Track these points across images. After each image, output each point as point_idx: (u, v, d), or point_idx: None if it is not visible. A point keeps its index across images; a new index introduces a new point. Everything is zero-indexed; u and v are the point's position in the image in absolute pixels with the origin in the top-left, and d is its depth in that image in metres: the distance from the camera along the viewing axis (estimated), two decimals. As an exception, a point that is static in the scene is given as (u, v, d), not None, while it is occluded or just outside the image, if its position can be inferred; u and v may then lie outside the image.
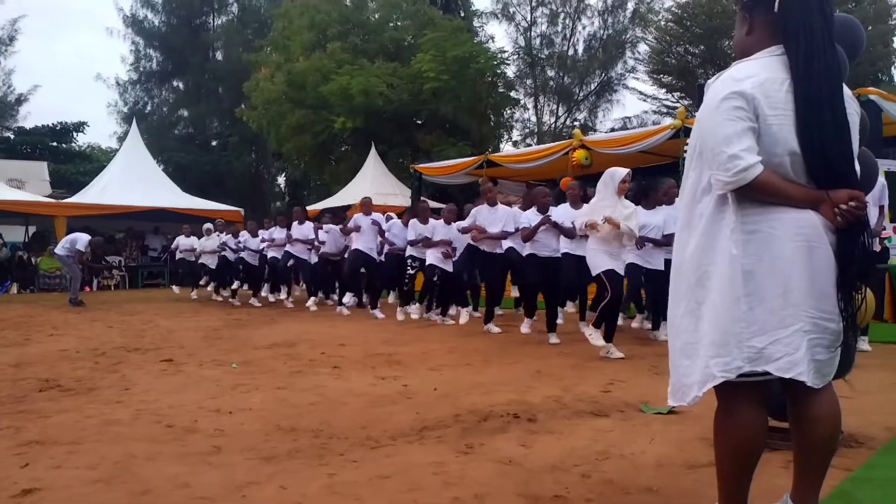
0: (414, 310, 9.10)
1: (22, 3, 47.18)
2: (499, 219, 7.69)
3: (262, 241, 11.88)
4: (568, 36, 28.46)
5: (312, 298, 10.68)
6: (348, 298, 10.00)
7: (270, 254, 11.67)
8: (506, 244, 7.75)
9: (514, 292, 8.95)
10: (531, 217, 6.98)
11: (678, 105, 19.82)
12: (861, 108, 2.14)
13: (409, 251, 9.04)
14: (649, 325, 7.24)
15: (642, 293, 7.44)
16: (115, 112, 32.26)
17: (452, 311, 8.94)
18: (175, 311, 11.25)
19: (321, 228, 11.04)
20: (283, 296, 12.05)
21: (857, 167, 1.97)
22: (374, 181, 17.49)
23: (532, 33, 28.63)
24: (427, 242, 8.51)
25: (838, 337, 1.89)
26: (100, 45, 59.20)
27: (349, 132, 19.79)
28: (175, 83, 32.41)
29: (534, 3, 28.26)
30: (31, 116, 39.09)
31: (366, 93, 18.63)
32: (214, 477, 2.86)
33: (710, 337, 1.91)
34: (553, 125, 28.50)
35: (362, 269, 10.02)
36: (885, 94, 8.52)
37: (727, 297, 1.88)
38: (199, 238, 13.86)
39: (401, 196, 16.46)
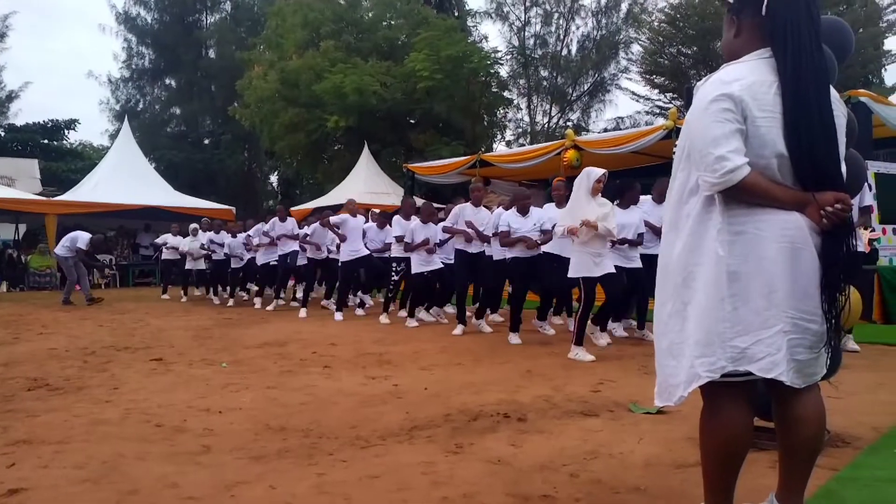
0: (410, 321, 8.77)
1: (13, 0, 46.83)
2: (481, 220, 7.66)
3: (248, 236, 11.82)
4: (562, 36, 28.52)
5: (304, 309, 10.46)
6: (339, 316, 9.66)
7: (261, 261, 11.56)
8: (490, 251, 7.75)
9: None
10: (511, 218, 6.99)
11: (671, 106, 19.88)
12: (850, 110, 2.16)
13: (394, 251, 8.95)
14: (619, 327, 7.27)
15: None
16: (106, 109, 32.19)
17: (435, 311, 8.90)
18: (165, 311, 11.21)
19: (306, 227, 10.86)
20: (270, 307, 11.77)
21: (844, 169, 1.99)
22: (366, 180, 17.48)
23: (526, 33, 28.68)
24: (408, 247, 8.28)
25: (821, 338, 1.90)
26: (92, 42, 58.99)
27: (342, 131, 19.77)
28: (167, 81, 32.31)
29: (528, 3, 28.29)
30: (22, 114, 38.92)
31: (359, 91, 18.62)
32: (203, 476, 2.85)
33: (695, 337, 1.92)
34: (546, 125, 28.54)
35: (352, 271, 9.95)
36: (875, 97, 8.58)
37: (712, 297, 1.89)
38: (185, 238, 13.78)
39: (393, 195, 16.45)
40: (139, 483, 2.77)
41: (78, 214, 16.98)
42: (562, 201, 6.85)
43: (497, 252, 7.34)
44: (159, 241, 14.66)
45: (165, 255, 14.19)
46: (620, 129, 22.92)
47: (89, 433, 3.58)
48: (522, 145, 24.59)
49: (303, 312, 10.08)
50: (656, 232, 6.45)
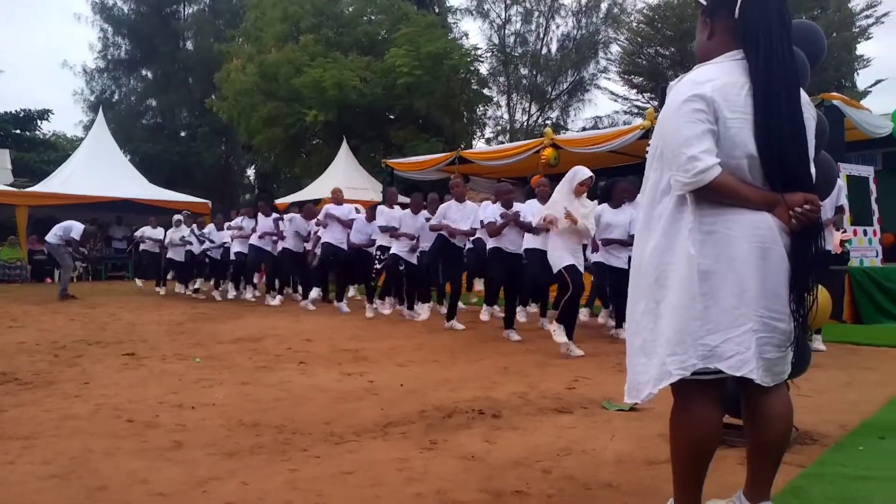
0: (386, 306, 8.99)
1: (-15, -14, 45.88)
2: (467, 215, 7.71)
3: (229, 227, 11.73)
4: (542, 35, 28.57)
5: (279, 297, 10.44)
6: (315, 293, 9.85)
7: (235, 249, 11.48)
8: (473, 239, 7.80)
9: (478, 286, 8.95)
10: (495, 211, 7.02)
11: (648, 106, 20.03)
12: (822, 113, 2.19)
13: (379, 240, 8.95)
14: (613, 323, 7.33)
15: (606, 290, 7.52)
16: (81, 100, 31.66)
17: (418, 306, 8.92)
18: (138, 305, 11.08)
19: (281, 220, 10.76)
20: (248, 295, 11.78)
21: (813, 171, 2.01)
22: (345, 175, 17.39)
23: (506, 31, 28.70)
24: (394, 233, 8.39)
25: (789, 337, 1.93)
26: (67, 32, 57.86)
27: (321, 125, 19.66)
28: (144, 72, 31.83)
29: (508, 1, 28.30)
30: (-6, 103, 38.14)
31: (338, 86, 18.51)
32: (174, 472, 2.82)
33: (666, 335, 1.94)
34: (526, 123, 28.61)
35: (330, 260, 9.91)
36: (847, 100, 8.71)
37: (684, 295, 1.91)
38: (166, 230, 13.63)
39: (372, 191, 16.41)
40: (108, 479, 2.74)
41: (50, 206, 16.70)
42: (545, 198, 6.88)
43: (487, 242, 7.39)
44: (137, 233, 14.45)
45: (144, 246, 14.02)
46: (599, 129, 23.05)
47: (58, 428, 3.53)
48: (502, 143, 24.63)
49: (277, 300, 10.08)
50: None
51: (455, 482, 2.69)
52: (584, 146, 10.61)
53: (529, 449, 3.14)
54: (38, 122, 30.14)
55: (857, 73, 23.49)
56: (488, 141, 27.58)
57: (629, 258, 6.53)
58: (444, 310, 8.46)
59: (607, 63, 28.18)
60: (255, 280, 12.15)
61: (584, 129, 26.91)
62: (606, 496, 2.54)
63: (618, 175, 8.77)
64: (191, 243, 12.61)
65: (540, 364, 5.46)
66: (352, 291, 11.51)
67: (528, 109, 29.12)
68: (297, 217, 10.36)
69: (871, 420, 3.59)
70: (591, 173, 5.88)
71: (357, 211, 9.97)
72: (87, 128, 26.13)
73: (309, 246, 10.54)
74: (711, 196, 1.90)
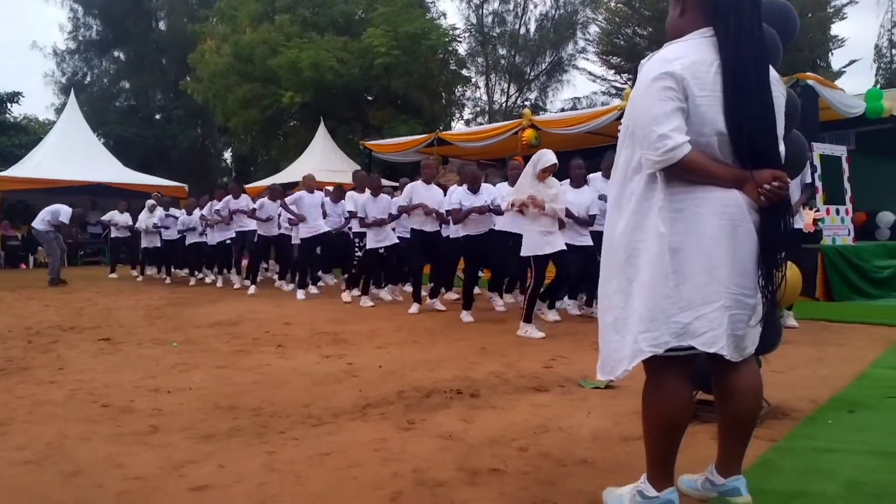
0: (365, 300, 8.78)
1: (-51, -35, 44.54)
2: (433, 197, 7.61)
3: (202, 217, 11.55)
4: (520, 14, 28.46)
5: (253, 286, 10.31)
6: (301, 295, 9.57)
7: (212, 240, 11.33)
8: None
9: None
10: (462, 195, 7.00)
11: (626, 86, 20.07)
12: (798, 92, 2.21)
13: (355, 227, 8.84)
14: (573, 305, 7.36)
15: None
16: (52, 82, 31.01)
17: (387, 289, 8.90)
18: (115, 290, 10.97)
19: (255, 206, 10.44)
20: (235, 282, 11.58)
21: (783, 148, 2.03)
22: (322, 157, 17.27)
23: (484, 10, 28.53)
24: (363, 223, 8.16)
25: (757, 312, 1.96)
26: (35, 12, 56.19)
27: (298, 107, 19.46)
28: (116, 53, 31.21)
29: (486, -20, 28.12)
30: (-39, 86, 37.15)
31: (315, 67, 18.31)
32: (150, 457, 2.81)
33: (639, 313, 1.95)
34: (504, 104, 28.55)
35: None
36: (822, 80, 8.79)
37: (655, 273, 1.93)
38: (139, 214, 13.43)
39: (349, 173, 16.28)
40: (83, 464, 2.72)
41: (22, 191, 16.40)
42: (517, 180, 6.87)
43: (452, 231, 7.37)
44: (105, 218, 14.20)
45: (115, 232, 13.80)
46: (577, 109, 23.06)
47: (32, 414, 3.49)
48: (481, 124, 24.56)
49: (252, 289, 9.98)
50: None
51: (432, 461, 2.71)
52: (562, 127, 10.62)
53: (506, 427, 3.16)
54: (8, 105, 29.46)
55: (832, 54, 23.68)
56: (467, 122, 27.52)
57: (593, 234, 6.49)
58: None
59: (585, 43, 28.18)
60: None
61: (562, 109, 26.91)
62: (581, 472, 2.57)
63: (595, 157, 8.79)
64: (167, 227, 12.45)
65: (518, 344, 5.49)
66: (331, 279, 11.45)
67: (506, 90, 29.07)
68: (266, 202, 10.21)
69: (840, 395, 3.66)
70: (555, 160, 5.81)
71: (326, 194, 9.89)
72: (59, 111, 25.59)
73: (283, 230, 10.45)
74: (681, 174, 1.91)
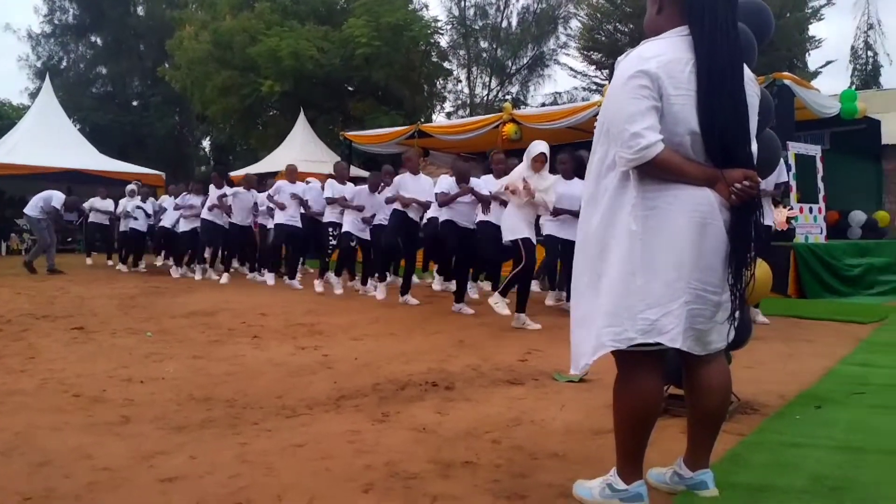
0: (336, 283, 8.86)
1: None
2: (422, 187, 7.61)
3: (177, 207, 11.40)
4: (502, 8, 28.43)
5: (226, 275, 10.23)
6: (271, 279, 9.59)
7: (184, 227, 11.20)
8: (428, 214, 7.79)
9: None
10: (451, 184, 7.02)
11: (606, 82, 20.14)
12: (774, 92, 2.24)
13: (328, 216, 8.79)
14: (564, 297, 7.39)
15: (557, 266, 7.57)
16: (26, 66, 30.41)
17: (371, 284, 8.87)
18: (89, 278, 10.82)
19: (226, 196, 10.26)
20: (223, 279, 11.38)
21: (755, 148, 2.06)
22: (302, 147, 17.14)
23: (466, 3, 28.46)
24: (343, 203, 8.24)
25: (722, 308, 1.99)
26: (9, -7, 55.11)
27: (277, 96, 19.30)
28: (93, 38, 30.66)
29: (468, -28, 28.03)
30: (-68, 68, 36.35)
31: (295, 56, 18.17)
32: (121, 447, 2.79)
33: (604, 308, 1.98)
34: (486, 98, 28.54)
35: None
36: (798, 80, 8.91)
37: (624, 270, 1.95)
38: (116, 202, 13.23)
39: (329, 163, 16.15)
40: (52, 454, 2.69)
41: (-6, 176, 16.10)
42: (501, 174, 6.89)
43: (434, 213, 7.38)
44: (86, 205, 13.97)
45: (93, 218, 13.57)
46: (558, 104, 23.12)
47: (1, 404, 3.43)
48: (462, 117, 24.55)
49: (225, 278, 9.93)
50: None
51: (405, 453, 2.72)
52: (542, 122, 10.67)
53: (480, 420, 3.18)
54: (-20, 88, 28.96)
55: (809, 54, 23.96)
56: (448, 115, 27.48)
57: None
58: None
59: (567, 38, 28.22)
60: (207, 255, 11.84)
61: (543, 104, 26.96)
62: (553, 465, 2.59)
63: (577, 150, 8.84)
64: (135, 218, 12.23)
65: (494, 337, 5.52)
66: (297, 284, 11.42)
67: (488, 84, 29.05)
68: (240, 190, 10.11)
69: (809, 390, 3.73)
70: (542, 149, 5.89)
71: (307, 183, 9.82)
72: (34, 95, 25.12)
73: (260, 219, 10.38)
74: (654, 172, 1.93)
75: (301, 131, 17.95)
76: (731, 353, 2.93)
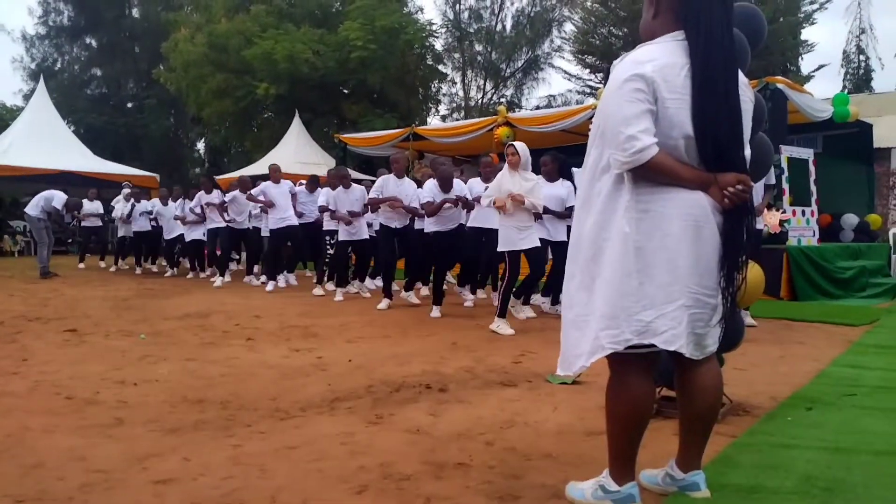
0: (338, 291, 8.77)
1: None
2: (405, 191, 7.55)
3: (175, 218, 11.37)
4: (496, 11, 28.50)
5: (220, 278, 10.20)
6: (271, 287, 9.50)
7: (189, 236, 11.18)
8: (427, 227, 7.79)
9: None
10: (433, 190, 6.98)
11: (600, 86, 20.21)
12: (768, 96, 2.26)
13: (327, 224, 8.79)
14: (548, 303, 7.40)
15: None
16: (20, 68, 30.34)
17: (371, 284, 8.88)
18: (83, 280, 10.79)
19: (225, 203, 10.28)
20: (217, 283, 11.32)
21: (748, 152, 2.08)
22: (297, 150, 17.15)
23: (461, 6, 28.52)
24: (333, 215, 8.19)
25: (717, 312, 2.01)
26: (3, -5, 54.85)
27: (272, 98, 19.31)
28: (88, 40, 30.58)
29: (462, -25, 28.10)
30: (-75, 69, 36.21)
31: (290, 59, 18.18)
32: (114, 449, 2.78)
33: (601, 310, 1.99)
34: (480, 101, 28.59)
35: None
36: (791, 84, 8.95)
37: (619, 272, 1.96)
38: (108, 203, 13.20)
39: (324, 166, 16.19)
40: (45, 456, 2.69)
41: (-13, 178, 16.02)
42: (489, 177, 6.90)
43: (426, 224, 7.37)
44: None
45: (85, 221, 13.54)
46: (552, 108, 23.18)
47: (-7, 406, 3.44)
48: (456, 120, 24.59)
49: (218, 281, 9.89)
50: None
51: (399, 455, 2.73)
52: (536, 125, 10.70)
53: (474, 422, 3.19)
54: (-26, 89, 28.86)
55: (802, 58, 24.12)
56: (443, 118, 27.52)
57: (567, 230, 6.59)
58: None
59: (561, 42, 28.31)
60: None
61: (537, 107, 27.04)
62: (545, 466, 2.60)
63: (570, 154, 8.86)
64: (112, 221, 12.19)
65: (488, 339, 5.53)
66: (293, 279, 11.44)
67: (482, 87, 29.11)
68: (237, 195, 10.09)
69: (800, 392, 3.74)
70: (514, 143, 5.87)
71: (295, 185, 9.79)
72: (28, 97, 25.03)
73: (254, 222, 10.36)
74: (648, 175, 1.95)
75: (296, 134, 17.96)
76: (724, 355, 2.95)
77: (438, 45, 24.99)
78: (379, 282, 8.61)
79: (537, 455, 2.73)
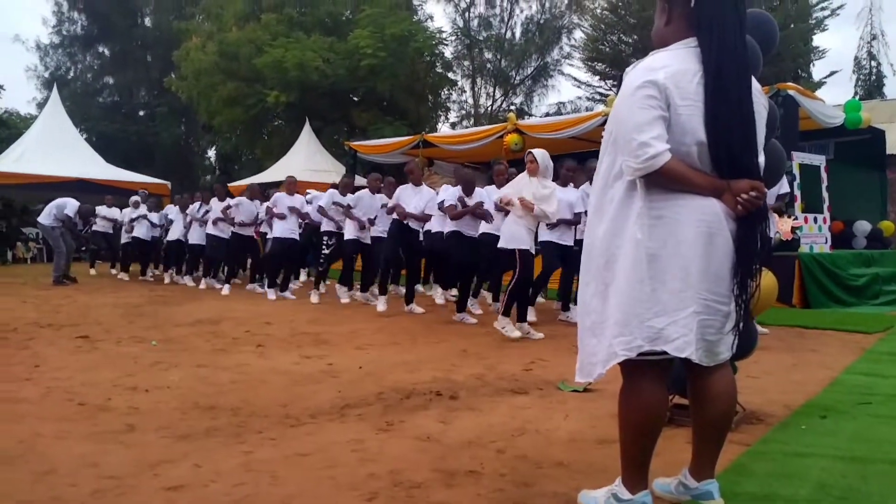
0: (343, 293, 8.85)
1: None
2: (423, 199, 7.59)
3: (192, 220, 11.41)
4: (506, 19, 28.58)
5: (227, 286, 10.22)
6: (272, 294, 9.52)
7: (193, 239, 11.23)
8: (433, 227, 7.80)
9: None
10: (455, 194, 7.01)
11: (610, 93, 20.22)
12: (779, 102, 2.25)
13: (325, 225, 8.81)
14: (558, 307, 7.38)
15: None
16: (34, 76, 30.74)
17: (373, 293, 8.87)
18: (94, 287, 10.85)
19: (230, 207, 10.18)
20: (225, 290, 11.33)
21: (762, 159, 2.06)
22: (307, 157, 17.22)
23: (470, 14, 28.62)
24: (347, 212, 8.24)
25: (730, 319, 1.99)
26: (18, 4, 55.44)
27: (283, 106, 19.42)
28: (100, 49, 30.94)
29: (472, -16, 28.21)
30: (-60, 77, 36.69)
31: (301, 67, 18.28)
32: (126, 456, 2.79)
33: (614, 317, 1.98)
34: (490, 108, 28.64)
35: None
36: (803, 90, 8.92)
37: (632, 279, 1.95)
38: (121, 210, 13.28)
39: (334, 173, 16.26)
40: (57, 463, 2.70)
41: (2, 185, 16.15)
42: (502, 185, 6.89)
43: (440, 226, 7.38)
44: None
45: (97, 227, 13.61)
46: (561, 114, 23.18)
47: (6, 412, 3.45)
48: (466, 127, 24.63)
49: (226, 289, 9.92)
50: None
51: (409, 462, 2.72)
52: (546, 132, 10.69)
53: (484, 429, 3.18)
54: (-11, 98, 29.15)
55: (813, 65, 24.03)
56: (453, 125, 27.57)
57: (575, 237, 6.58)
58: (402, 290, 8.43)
59: (571, 49, 28.35)
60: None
61: (547, 114, 27.02)
62: (557, 474, 2.59)
63: (580, 160, 8.84)
64: (120, 225, 12.26)
65: (498, 346, 5.51)
66: (303, 276, 11.50)
67: (492, 94, 29.16)
68: (244, 200, 10.11)
69: (814, 400, 3.71)
70: (533, 151, 5.86)
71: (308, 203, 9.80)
72: (41, 105, 25.34)
73: (262, 228, 10.39)
74: (661, 181, 1.94)
75: (306, 141, 18.03)
76: (737, 363, 2.93)
77: (448, 52, 25.16)
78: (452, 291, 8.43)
79: (549, 463, 2.71)
